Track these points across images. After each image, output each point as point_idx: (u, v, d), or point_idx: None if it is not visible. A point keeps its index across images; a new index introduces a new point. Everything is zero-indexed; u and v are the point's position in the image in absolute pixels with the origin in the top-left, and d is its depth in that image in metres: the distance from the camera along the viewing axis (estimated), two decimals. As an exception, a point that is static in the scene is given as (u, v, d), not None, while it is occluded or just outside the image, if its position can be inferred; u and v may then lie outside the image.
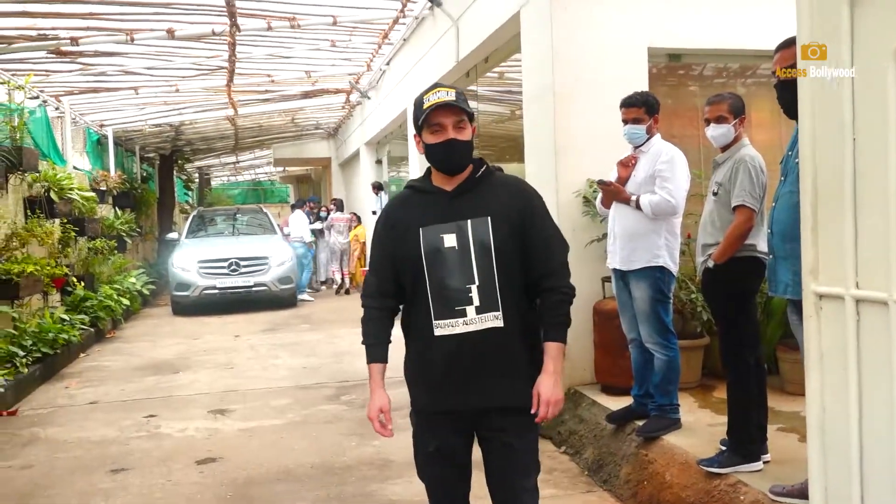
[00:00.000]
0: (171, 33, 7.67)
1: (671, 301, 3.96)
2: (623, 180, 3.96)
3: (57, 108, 10.34)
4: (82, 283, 9.34)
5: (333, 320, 10.29)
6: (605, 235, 4.30)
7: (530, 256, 2.22)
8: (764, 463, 3.29)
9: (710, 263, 3.37)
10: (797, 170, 2.33)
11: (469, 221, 2.18)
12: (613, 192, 3.94)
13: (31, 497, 4.11)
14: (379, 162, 14.08)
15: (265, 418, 5.49)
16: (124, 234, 12.21)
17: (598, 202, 4.25)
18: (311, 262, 13.61)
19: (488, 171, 2.29)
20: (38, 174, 8.43)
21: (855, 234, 1.97)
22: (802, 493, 2.67)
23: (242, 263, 11.53)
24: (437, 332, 2.18)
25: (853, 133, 1.96)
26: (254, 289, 11.46)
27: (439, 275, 2.17)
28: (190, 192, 23.81)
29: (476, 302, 2.15)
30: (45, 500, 4.07)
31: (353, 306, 9.69)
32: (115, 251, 11.43)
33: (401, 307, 2.36)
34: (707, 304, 4.08)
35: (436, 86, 2.21)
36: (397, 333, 2.34)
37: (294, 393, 6.23)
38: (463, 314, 2.15)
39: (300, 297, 12.49)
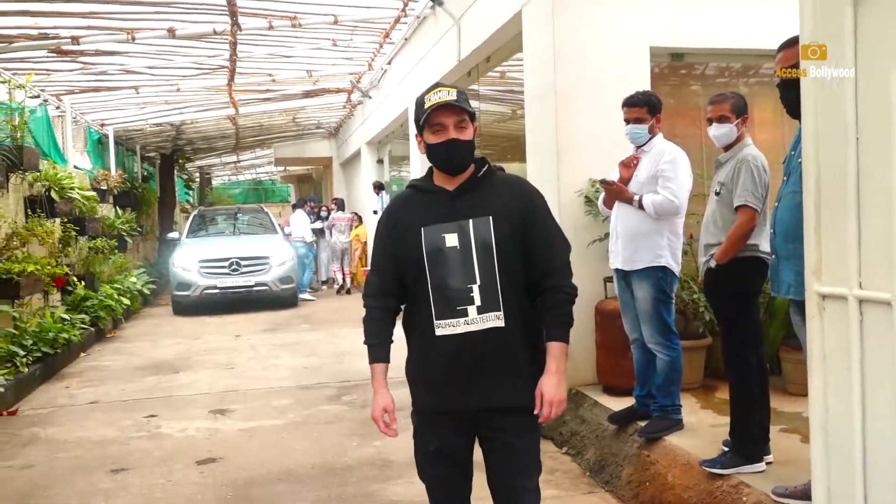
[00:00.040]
0: (172, 32, 7.66)
1: (673, 301, 3.95)
2: (625, 181, 3.95)
3: (58, 108, 10.35)
4: (83, 283, 9.34)
5: (334, 320, 10.28)
6: (606, 235, 4.29)
7: (532, 256, 2.21)
8: (767, 464, 3.28)
9: (713, 263, 3.36)
10: (800, 169, 2.32)
11: (471, 221, 2.18)
12: (616, 192, 3.93)
13: (31, 497, 4.10)
14: (380, 161, 14.08)
15: (266, 418, 5.49)
16: (125, 234, 12.22)
17: (600, 202, 4.24)
18: (312, 261, 13.63)
19: (490, 171, 2.29)
20: (38, 173, 8.43)
21: (858, 234, 1.97)
22: (805, 494, 2.66)
23: (243, 263, 11.51)
24: (439, 331, 2.17)
25: (856, 133, 1.96)
26: (255, 288, 11.44)
27: (441, 274, 2.16)
28: (191, 192, 23.83)
29: (477, 302, 2.15)
30: (45, 500, 4.06)
31: (354, 306, 9.70)
32: (116, 251, 11.44)
33: (402, 307, 2.36)
34: (709, 304, 4.07)
35: (437, 85, 2.21)
36: (399, 333, 2.34)
37: (295, 393, 6.22)
38: (464, 314, 2.15)
39: (301, 296, 12.49)
